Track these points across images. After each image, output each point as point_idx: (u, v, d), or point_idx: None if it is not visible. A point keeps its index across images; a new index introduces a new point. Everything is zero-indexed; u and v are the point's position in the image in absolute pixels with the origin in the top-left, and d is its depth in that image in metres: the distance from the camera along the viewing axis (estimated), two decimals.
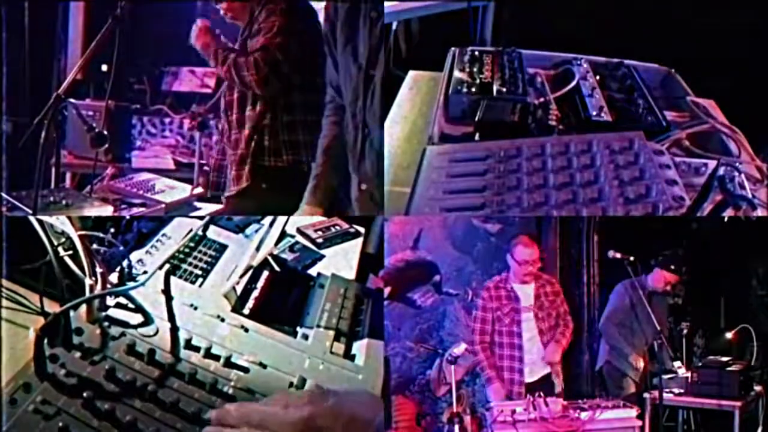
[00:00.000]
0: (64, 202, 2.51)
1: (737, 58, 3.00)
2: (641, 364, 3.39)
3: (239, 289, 1.80)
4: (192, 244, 2.04)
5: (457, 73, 2.44)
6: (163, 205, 2.95)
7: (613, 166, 1.91)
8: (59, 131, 2.77)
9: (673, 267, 3.49)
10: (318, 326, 1.72)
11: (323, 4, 2.46)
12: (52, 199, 2.51)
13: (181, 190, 3.18)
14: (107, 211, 2.58)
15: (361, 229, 2.56)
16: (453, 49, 2.66)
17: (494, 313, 3.08)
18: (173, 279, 1.80)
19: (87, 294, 1.53)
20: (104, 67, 2.53)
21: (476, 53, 2.61)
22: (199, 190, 3.24)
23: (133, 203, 2.88)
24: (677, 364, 3.39)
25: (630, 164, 1.91)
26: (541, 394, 2.78)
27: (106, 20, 2.52)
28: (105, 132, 2.67)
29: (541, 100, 2.36)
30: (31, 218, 1.61)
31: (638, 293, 3.30)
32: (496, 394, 3.00)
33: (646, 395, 3.17)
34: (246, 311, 1.73)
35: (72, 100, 2.86)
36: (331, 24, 2.31)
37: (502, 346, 3.07)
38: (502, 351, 3.07)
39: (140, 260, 1.89)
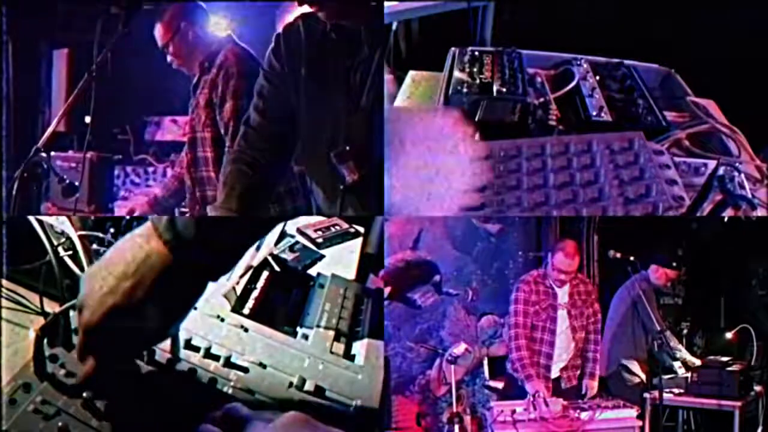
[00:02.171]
0: None
1: (737, 58, 2.99)
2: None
3: (239, 289, 1.80)
4: None
5: (457, 73, 2.44)
6: None
7: (613, 166, 1.91)
8: (40, 184, 2.78)
9: (674, 264, 3.50)
10: (318, 326, 1.72)
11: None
12: None
13: None
14: None
15: (361, 229, 2.56)
16: (453, 49, 2.66)
17: (534, 307, 3.05)
18: None
19: None
20: (88, 119, 2.50)
21: (476, 53, 2.61)
22: None
23: None
24: (677, 364, 3.39)
25: (630, 164, 1.91)
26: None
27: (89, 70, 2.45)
28: (76, 183, 2.72)
29: (541, 100, 2.36)
30: (31, 218, 1.61)
31: (641, 294, 3.30)
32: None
33: (646, 395, 3.17)
34: (246, 311, 1.73)
35: (53, 153, 2.88)
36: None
37: (535, 342, 3.04)
38: (536, 347, 3.04)
39: None
